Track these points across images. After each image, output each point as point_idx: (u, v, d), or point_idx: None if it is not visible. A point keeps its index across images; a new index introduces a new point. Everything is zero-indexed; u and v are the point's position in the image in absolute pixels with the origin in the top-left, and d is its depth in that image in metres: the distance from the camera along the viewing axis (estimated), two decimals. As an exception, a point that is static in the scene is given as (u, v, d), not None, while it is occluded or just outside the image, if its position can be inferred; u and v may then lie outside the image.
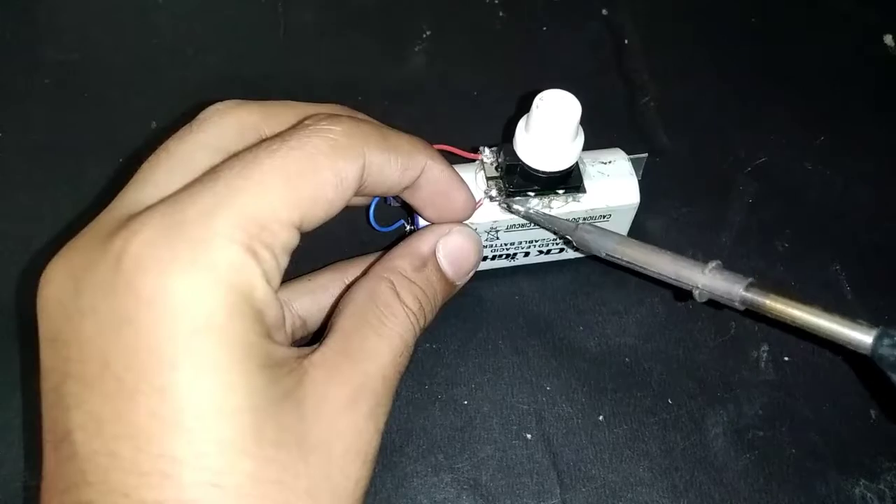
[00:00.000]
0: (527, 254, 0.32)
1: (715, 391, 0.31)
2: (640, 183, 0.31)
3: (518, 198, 0.29)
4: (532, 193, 0.29)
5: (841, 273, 0.34)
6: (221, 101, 0.24)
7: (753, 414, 0.31)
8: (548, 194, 0.29)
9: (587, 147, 0.29)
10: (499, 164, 0.29)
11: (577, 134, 0.28)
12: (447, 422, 0.30)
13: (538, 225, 0.30)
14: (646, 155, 0.31)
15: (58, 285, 0.20)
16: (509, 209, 0.29)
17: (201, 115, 0.23)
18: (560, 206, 0.30)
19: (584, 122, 0.27)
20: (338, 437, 0.20)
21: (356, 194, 0.22)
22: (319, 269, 0.29)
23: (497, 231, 0.30)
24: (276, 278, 0.20)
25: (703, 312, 0.33)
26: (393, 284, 0.24)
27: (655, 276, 0.26)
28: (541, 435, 0.30)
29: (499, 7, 0.44)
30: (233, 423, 0.18)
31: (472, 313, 0.33)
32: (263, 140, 0.22)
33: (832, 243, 0.35)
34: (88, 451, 0.18)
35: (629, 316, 0.33)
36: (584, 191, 0.30)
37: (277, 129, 0.23)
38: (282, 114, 0.24)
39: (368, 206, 0.29)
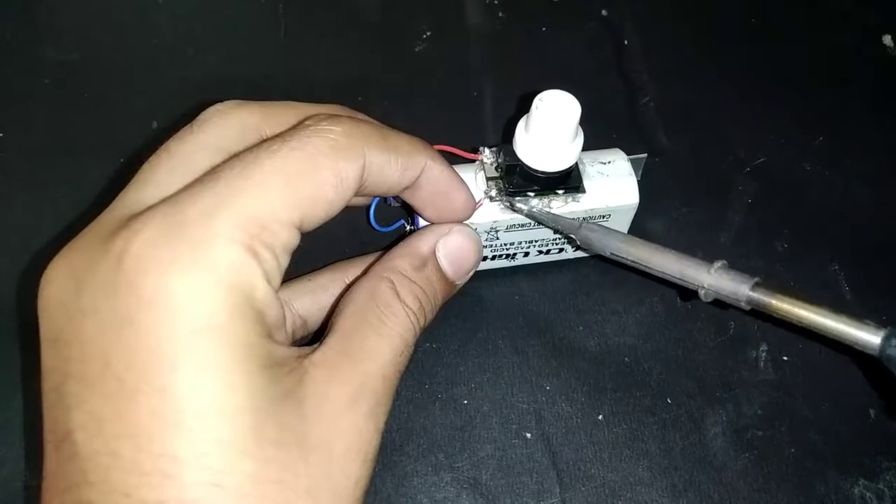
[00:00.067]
0: (527, 254, 0.33)
1: (714, 391, 0.31)
2: (640, 183, 0.31)
3: (520, 197, 0.29)
4: (532, 194, 0.29)
5: (840, 273, 0.35)
6: (222, 101, 0.24)
7: (752, 413, 0.31)
8: (547, 194, 0.29)
9: (587, 147, 0.29)
10: (499, 164, 0.30)
11: (576, 134, 0.28)
12: (447, 421, 0.30)
13: (542, 224, 0.30)
14: (645, 155, 0.31)
15: (59, 285, 0.20)
16: (512, 207, 0.29)
17: (202, 116, 0.23)
18: (560, 207, 0.30)
19: (584, 122, 0.28)
20: (338, 436, 0.20)
21: (356, 194, 0.22)
22: (319, 269, 0.29)
23: (497, 231, 0.30)
24: (277, 278, 0.20)
25: (702, 312, 0.33)
26: (393, 284, 0.24)
27: (660, 275, 0.26)
28: (540, 434, 0.30)
29: (499, 7, 0.44)
30: (233, 422, 0.18)
31: (472, 313, 0.33)
32: (264, 140, 0.22)
33: (831, 243, 0.35)
34: (89, 451, 0.18)
35: (629, 316, 0.33)
36: (583, 191, 0.30)
37: (278, 130, 0.23)
38: (282, 114, 0.24)
39: (368, 206, 0.29)
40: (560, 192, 0.29)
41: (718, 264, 0.24)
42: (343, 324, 0.23)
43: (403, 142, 0.24)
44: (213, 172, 0.20)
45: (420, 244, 0.26)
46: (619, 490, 0.29)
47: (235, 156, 0.21)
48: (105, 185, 0.36)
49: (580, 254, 0.33)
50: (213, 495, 0.18)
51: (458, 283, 0.28)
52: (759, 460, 0.30)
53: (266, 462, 0.18)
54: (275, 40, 0.42)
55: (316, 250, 0.28)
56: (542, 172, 0.28)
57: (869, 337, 0.21)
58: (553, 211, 0.30)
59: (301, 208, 0.20)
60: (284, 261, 0.20)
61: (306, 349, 0.22)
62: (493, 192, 0.29)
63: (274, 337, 0.20)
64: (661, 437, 0.30)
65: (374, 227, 0.29)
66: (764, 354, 0.32)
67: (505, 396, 0.31)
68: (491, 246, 0.31)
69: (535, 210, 0.29)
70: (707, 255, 0.25)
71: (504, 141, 0.29)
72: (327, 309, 0.28)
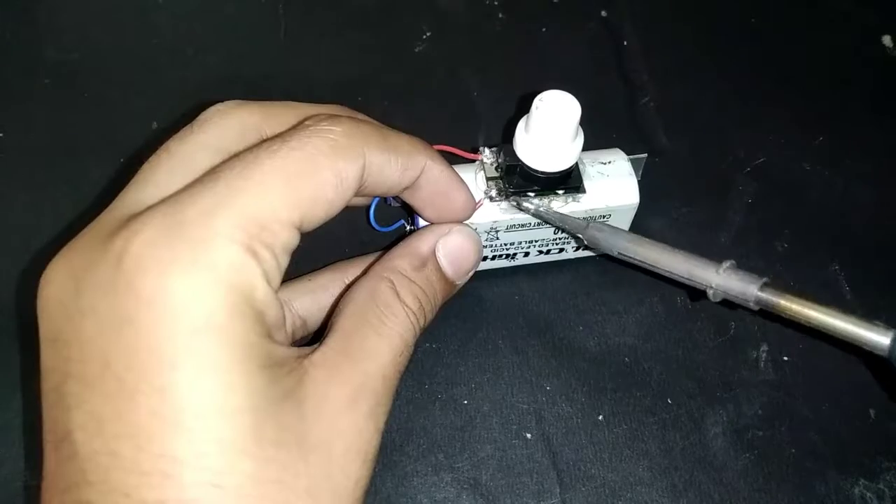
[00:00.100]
0: (527, 254, 0.33)
1: (714, 391, 0.31)
2: (640, 183, 0.31)
3: (524, 197, 0.29)
4: (532, 194, 0.29)
5: (840, 273, 0.35)
6: (222, 101, 0.24)
7: (753, 414, 0.31)
8: (548, 195, 0.29)
9: (587, 147, 0.29)
10: (499, 164, 0.30)
11: (576, 134, 0.28)
12: (447, 421, 0.30)
13: (549, 223, 0.30)
14: (645, 155, 0.31)
15: (58, 285, 0.20)
16: (519, 206, 0.29)
17: (202, 116, 0.23)
18: (560, 207, 0.30)
19: (584, 122, 0.28)
20: (338, 436, 0.20)
21: (356, 195, 0.22)
22: (319, 269, 0.29)
23: (497, 231, 0.30)
24: (277, 278, 0.20)
25: (702, 312, 0.33)
26: (393, 284, 0.24)
27: (667, 275, 0.26)
28: (540, 434, 0.30)
29: (499, 7, 0.44)
30: (233, 422, 0.18)
31: (472, 313, 0.33)
32: (264, 140, 0.22)
33: (831, 243, 0.35)
34: (89, 451, 0.18)
35: (629, 316, 0.33)
36: (583, 191, 0.30)
37: (278, 130, 0.23)
38: (283, 114, 0.24)
39: (368, 207, 0.29)
40: (560, 192, 0.29)
41: (727, 264, 0.24)
42: (343, 324, 0.23)
43: (403, 142, 0.24)
44: (212, 172, 0.20)
45: (420, 244, 0.26)
46: (620, 490, 0.29)
47: (235, 156, 0.21)
48: (105, 185, 0.36)
49: (580, 254, 0.33)
50: (213, 495, 0.18)
51: (458, 282, 0.28)
52: (760, 460, 0.30)
53: (266, 462, 0.18)
54: (275, 40, 0.42)
55: (316, 250, 0.28)
56: (543, 172, 0.28)
57: (878, 338, 0.21)
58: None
59: (301, 208, 0.20)
60: (284, 261, 0.20)
61: (306, 349, 0.22)
62: (493, 193, 0.29)
63: (274, 337, 0.20)
64: (661, 438, 0.30)
65: (374, 227, 0.29)
66: (764, 354, 0.32)
67: (505, 396, 0.31)
68: (491, 246, 0.31)
69: (541, 209, 0.29)
70: (707, 255, 0.25)
71: (504, 141, 0.29)
72: (327, 309, 0.28)
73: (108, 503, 0.18)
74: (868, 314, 0.22)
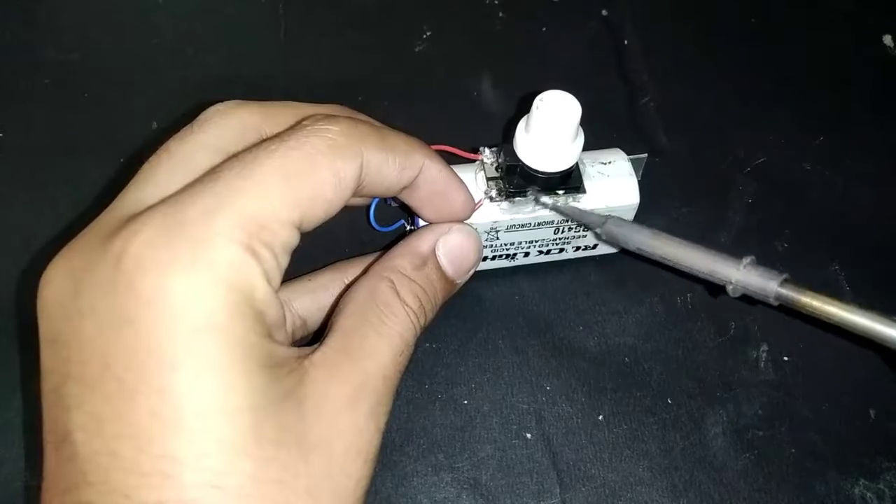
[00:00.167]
0: (527, 254, 0.33)
1: (714, 391, 0.31)
2: (640, 183, 0.31)
3: (540, 196, 0.29)
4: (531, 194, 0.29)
5: (840, 273, 0.35)
6: (222, 101, 0.24)
7: (753, 414, 0.31)
8: (548, 194, 0.29)
9: (587, 147, 0.29)
10: (499, 164, 0.29)
11: (576, 134, 0.28)
12: (447, 421, 0.30)
13: (567, 218, 0.29)
14: (645, 155, 0.31)
15: (58, 286, 0.20)
16: (537, 201, 0.29)
17: (202, 116, 0.23)
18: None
19: (584, 122, 0.28)
20: (338, 436, 0.20)
21: (355, 195, 0.22)
22: (319, 269, 0.29)
23: (497, 231, 0.30)
24: (277, 278, 0.20)
25: (702, 312, 0.33)
26: (393, 283, 0.24)
27: (687, 270, 0.26)
28: (540, 434, 0.30)
29: (499, 7, 0.44)
30: (233, 422, 0.18)
31: (472, 313, 0.33)
32: (263, 140, 0.22)
33: (832, 243, 0.35)
34: (89, 452, 0.18)
35: (629, 316, 0.33)
36: (583, 191, 0.30)
37: (278, 130, 0.23)
38: (283, 114, 0.24)
39: (368, 207, 0.29)
40: (560, 192, 0.29)
41: (747, 260, 0.24)
42: (343, 323, 0.23)
43: (401, 141, 0.24)
44: (212, 172, 0.20)
45: (420, 243, 0.26)
46: (620, 490, 0.29)
47: (234, 156, 0.21)
48: (105, 185, 0.36)
49: (580, 254, 0.33)
50: (213, 496, 0.18)
51: (458, 281, 0.28)
52: (760, 460, 0.30)
53: (266, 462, 0.18)
54: (275, 40, 0.42)
55: (316, 250, 0.28)
56: (543, 172, 0.28)
57: None
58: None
59: (300, 207, 0.20)
60: (284, 260, 0.20)
61: (306, 349, 0.22)
62: (494, 193, 0.29)
63: (274, 337, 0.20)
64: (661, 438, 0.30)
65: (374, 227, 0.29)
66: (764, 354, 0.32)
67: (505, 396, 0.31)
68: (491, 246, 0.31)
69: (559, 204, 0.29)
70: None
71: (504, 141, 0.29)
72: (327, 309, 0.28)
73: (109, 503, 0.18)
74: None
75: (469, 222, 0.29)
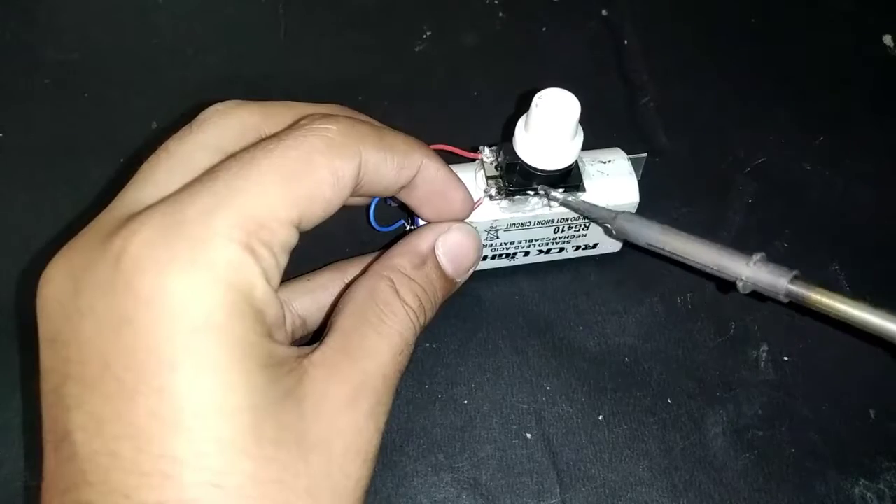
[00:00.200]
0: (527, 253, 0.32)
1: (714, 391, 0.31)
2: (640, 183, 0.31)
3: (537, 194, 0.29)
4: (532, 192, 0.29)
5: (840, 273, 0.35)
6: (222, 101, 0.24)
7: (753, 414, 0.31)
8: (555, 190, 0.29)
9: (587, 147, 0.29)
10: (499, 163, 0.29)
11: (576, 132, 0.28)
12: (447, 421, 0.30)
13: (577, 213, 0.29)
14: (645, 155, 0.31)
15: (57, 285, 0.20)
16: (547, 196, 0.29)
17: (202, 116, 0.23)
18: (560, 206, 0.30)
19: (584, 121, 0.28)
20: (338, 435, 0.20)
21: (353, 194, 0.22)
22: (319, 268, 0.29)
23: (497, 230, 0.30)
24: (276, 277, 0.20)
25: (702, 312, 0.33)
26: (392, 282, 0.24)
27: (697, 266, 0.26)
28: (540, 434, 0.30)
29: (499, 7, 0.44)
30: (233, 422, 0.18)
31: (472, 313, 0.33)
32: (261, 140, 0.22)
33: (832, 243, 0.35)
34: (89, 452, 0.18)
35: (629, 316, 0.33)
36: (583, 189, 0.30)
37: (277, 129, 0.23)
38: (282, 114, 0.24)
39: (368, 206, 0.29)
40: (560, 190, 0.29)
41: (757, 257, 0.24)
42: (342, 323, 0.23)
43: (399, 141, 0.24)
44: (211, 172, 0.20)
45: (419, 242, 0.26)
46: (620, 490, 0.29)
47: (233, 156, 0.21)
48: (105, 185, 0.36)
49: (580, 254, 0.33)
50: (213, 495, 0.18)
51: (458, 280, 0.28)
52: (760, 460, 0.30)
53: (266, 462, 0.18)
54: (275, 40, 0.42)
55: (316, 250, 0.28)
56: (542, 171, 0.28)
57: None
58: (553, 210, 0.30)
59: (299, 206, 0.20)
60: (283, 259, 0.20)
61: (306, 349, 0.22)
62: (494, 191, 0.29)
63: (273, 336, 0.20)
64: (661, 438, 0.30)
65: (373, 227, 0.29)
66: (764, 354, 0.32)
67: (505, 396, 0.31)
68: (491, 245, 0.31)
69: (570, 199, 0.29)
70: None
71: (504, 140, 0.29)
72: (326, 309, 0.28)
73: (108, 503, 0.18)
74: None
75: (469, 221, 0.29)
